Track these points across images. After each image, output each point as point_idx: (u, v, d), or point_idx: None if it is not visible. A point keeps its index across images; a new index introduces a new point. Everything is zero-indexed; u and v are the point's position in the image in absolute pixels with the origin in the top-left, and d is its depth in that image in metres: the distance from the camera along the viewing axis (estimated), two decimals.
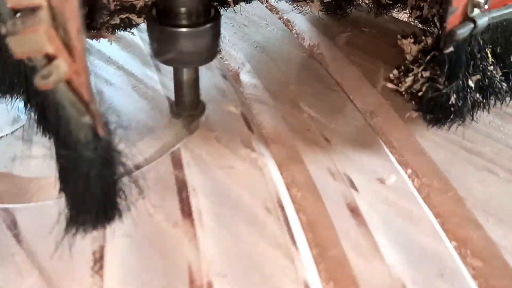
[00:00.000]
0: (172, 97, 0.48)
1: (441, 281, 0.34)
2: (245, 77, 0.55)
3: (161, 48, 0.41)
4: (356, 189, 0.41)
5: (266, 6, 0.71)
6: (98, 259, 0.35)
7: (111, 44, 0.51)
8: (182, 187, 0.41)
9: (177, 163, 0.43)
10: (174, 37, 0.39)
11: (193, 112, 0.47)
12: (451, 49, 0.39)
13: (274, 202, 0.40)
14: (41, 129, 0.37)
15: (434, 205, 0.40)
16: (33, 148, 0.45)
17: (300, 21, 0.66)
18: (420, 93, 0.43)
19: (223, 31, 0.60)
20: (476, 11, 0.39)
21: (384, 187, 0.42)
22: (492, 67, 0.43)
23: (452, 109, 0.42)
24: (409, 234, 0.37)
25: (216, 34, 0.41)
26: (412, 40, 0.44)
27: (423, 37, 0.44)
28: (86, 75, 0.27)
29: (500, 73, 0.44)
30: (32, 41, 0.24)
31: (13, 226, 0.37)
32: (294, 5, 0.64)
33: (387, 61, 0.57)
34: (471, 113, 0.43)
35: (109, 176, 0.31)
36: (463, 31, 0.39)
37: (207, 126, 0.47)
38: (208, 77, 0.54)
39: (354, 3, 0.62)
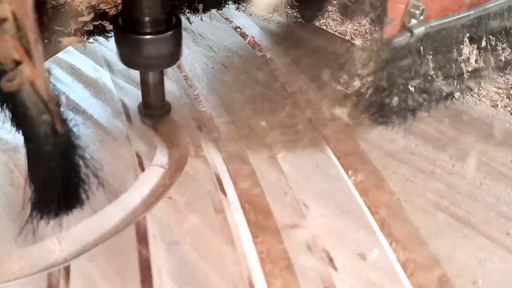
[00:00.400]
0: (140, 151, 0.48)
1: None
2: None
3: (128, 54, 0.44)
4: (335, 268, 0.38)
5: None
6: None
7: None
8: (145, 266, 0.37)
9: (142, 237, 0.40)
10: (139, 44, 0.43)
11: (159, 112, 0.51)
12: (389, 55, 0.42)
13: (244, 283, 0.36)
14: (15, 127, 0.38)
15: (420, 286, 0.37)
16: None
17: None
18: (366, 96, 0.45)
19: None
20: (414, 21, 0.41)
21: (366, 264, 0.38)
22: (432, 71, 0.46)
23: (394, 110, 0.45)
24: None
25: (177, 40, 0.45)
26: (360, 47, 0.48)
27: (371, 44, 0.45)
28: (44, 78, 0.31)
29: (442, 77, 0.47)
30: (0, 48, 0.28)
31: None
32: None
33: None
34: (413, 113, 0.47)
35: (69, 168, 0.34)
36: (400, 40, 0.41)
37: (178, 190, 0.44)
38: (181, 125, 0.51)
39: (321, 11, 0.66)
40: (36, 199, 0.35)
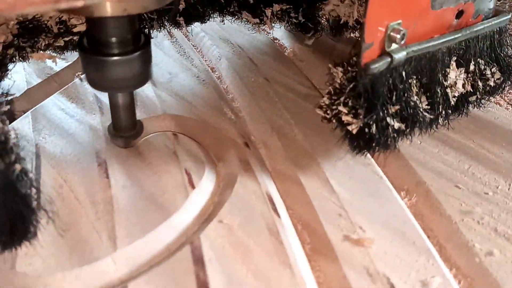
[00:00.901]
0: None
1: None
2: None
3: (94, 76, 0.42)
4: None
5: None
6: None
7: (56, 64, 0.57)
8: None
9: (197, 259, 0.39)
10: (106, 65, 0.41)
11: (130, 133, 0.49)
12: (366, 81, 0.40)
13: None
14: None
15: None
16: (38, 236, 0.41)
17: None
18: (344, 122, 0.42)
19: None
20: (395, 45, 0.40)
21: (423, 282, 0.37)
22: (416, 97, 0.44)
23: (373, 138, 0.42)
24: None
25: (146, 60, 0.43)
26: (341, 69, 0.43)
27: (353, 67, 0.42)
28: None
29: (426, 103, 0.45)
30: None
31: None
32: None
33: None
34: (394, 141, 0.44)
35: (14, 201, 0.32)
36: (378, 66, 0.40)
37: (230, 210, 0.43)
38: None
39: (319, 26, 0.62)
40: None
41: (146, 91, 0.58)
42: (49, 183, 0.46)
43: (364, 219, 0.43)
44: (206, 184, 0.46)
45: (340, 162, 0.49)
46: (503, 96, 0.62)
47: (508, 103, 0.61)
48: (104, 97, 0.56)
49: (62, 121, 0.54)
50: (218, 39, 0.71)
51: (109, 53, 0.41)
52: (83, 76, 0.59)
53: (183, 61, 0.65)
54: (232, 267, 0.39)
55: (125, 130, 0.49)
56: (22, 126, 0.52)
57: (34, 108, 0.55)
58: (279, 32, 0.72)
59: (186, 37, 0.72)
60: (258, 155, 0.50)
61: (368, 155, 0.50)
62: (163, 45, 0.70)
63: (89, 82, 0.43)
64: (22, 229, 0.34)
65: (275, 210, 0.44)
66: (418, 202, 0.45)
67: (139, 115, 0.53)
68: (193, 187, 0.45)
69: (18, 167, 0.32)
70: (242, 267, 0.39)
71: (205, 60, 0.66)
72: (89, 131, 0.52)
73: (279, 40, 0.71)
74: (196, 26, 0.66)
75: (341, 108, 0.42)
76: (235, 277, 0.38)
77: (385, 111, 0.42)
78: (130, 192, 0.45)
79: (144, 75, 0.43)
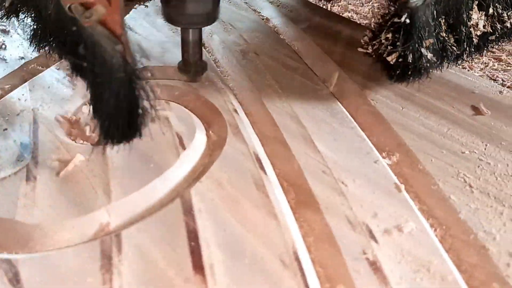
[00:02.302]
0: None
1: None
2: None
3: (171, 11, 0.50)
4: (376, 241, 0.39)
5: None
6: None
7: None
8: (193, 237, 0.39)
9: (187, 211, 0.41)
10: (183, 1, 0.49)
11: (197, 69, 0.56)
12: (406, 16, 0.47)
13: (290, 254, 0.38)
14: (76, 72, 0.45)
15: (458, 258, 0.38)
16: (36, 190, 0.43)
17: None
18: (384, 55, 0.51)
19: None
20: None
21: (406, 239, 0.39)
22: (445, 33, 0.51)
23: (409, 67, 0.51)
24: None
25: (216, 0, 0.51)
26: (380, 13, 0.52)
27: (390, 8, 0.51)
28: (119, 14, 0.37)
29: (452, 39, 0.52)
30: None
31: (15, 280, 0.35)
32: None
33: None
34: (426, 71, 0.52)
35: (134, 96, 0.40)
36: (416, 1, 0.46)
37: (220, 168, 0.45)
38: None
39: None
40: (105, 127, 0.41)
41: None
42: (47, 146, 0.48)
43: (347, 175, 0.45)
44: (197, 145, 0.48)
45: (325, 126, 0.51)
46: (485, 71, 0.65)
47: (491, 78, 0.63)
48: None
49: (58, 90, 0.56)
50: None
51: None
52: None
53: (176, 36, 0.67)
54: (221, 216, 0.41)
55: (193, 65, 0.55)
56: (19, 95, 0.55)
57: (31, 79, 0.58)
58: (271, 12, 0.74)
59: None
60: (247, 120, 0.52)
61: (352, 119, 0.52)
62: (156, 23, 0.72)
63: (165, 17, 0.51)
64: (137, 125, 0.42)
65: (262, 168, 0.46)
66: (399, 160, 0.47)
67: None
68: (184, 148, 0.48)
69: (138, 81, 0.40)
70: (230, 217, 0.41)
71: None
72: (83, 99, 0.54)
73: (270, 20, 0.74)
74: None
75: (383, 40, 0.50)
76: (223, 225, 0.40)
77: (420, 43, 0.49)
78: (124, 152, 0.47)
79: (213, 14, 0.51)
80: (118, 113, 0.41)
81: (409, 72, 0.52)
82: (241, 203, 0.42)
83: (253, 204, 0.42)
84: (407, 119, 0.53)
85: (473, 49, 0.54)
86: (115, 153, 0.46)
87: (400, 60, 0.50)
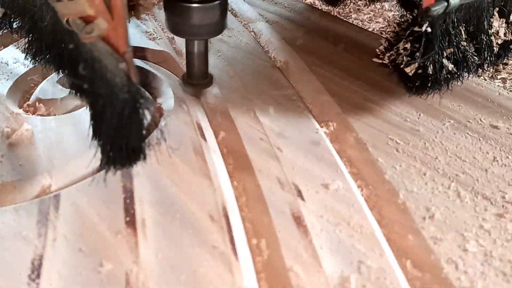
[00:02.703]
0: None
1: None
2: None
3: (176, 22, 0.47)
4: (303, 199, 0.41)
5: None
6: (37, 267, 0.35)
7: None
8: (128, 197, 0.41)
9: (126, 173, 0.43)
10: (188, 12, 0.46)
11: (202, 82, 0.53)
12: (427, 24, 0.45)
13: (219, 211, 0.40)
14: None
15: (379, 214, 0.41)
16: None
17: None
18: (402, 65, 0.48)
19: None
20: None
21: (331, 196, 0.42)
22: (465, 42, 0.49)
23: (429, 78, 0.48)
24: (350, 245, 0.38)
25: (223, 10, 0.48)
26: (397, 21, 0.50)
27: (406, 16, 0.49)
28: (124, 29, 0.34)
29: (473, 49, 0.50)
30: (75, 5, 0.33)
31: None
32: None
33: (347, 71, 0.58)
34: (447, 83, 0.50)
35: (138, 117, 0.37)
36: (437, 8, 0.44)
37: (161, 134, 0.47)
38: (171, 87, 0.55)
39: None
40: (107, 150, 0.39)
41: None
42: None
43: (283, 142, 0.48)
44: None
45: (268, 98, 0.54)
46: None
47: None
48: None
49: (14, 68, 0.57)
50: None
51: (192, 1, 0.45)
52: None
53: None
54: (157, 178, 0.43)
55: (198, 78, 0.52)
56: None
57: None
58: None
59: None
60: (194, 93, 0.54)
61: (295, 92, 0.54)
62: None
63: (170, 28, 0.48)
64: (137, 151, 0.39)
65: (203, 136, 0.48)
66: (336, 129, 0.50)
67: None
68: None
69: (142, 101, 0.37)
70: (166, 178, 0.43)
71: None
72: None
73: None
74: None
75: (401, 50, 0.48)
76: (158, 186, 0.42)
77: (441, 53, 0.47)
78: (68, 126, 0.49)
79: (221, 24, 0.48)
80: (122, 135, 0.38)
81: (429, 84, 0.49)
82: (179, 166, 0.44)
83: (190, 167, 0.44)
84: (345, 91, 0.55)
85: (493, 58, 0.53)
86: (61, 127, 0.48)
87: (420, 71, 0.48)
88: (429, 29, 0.45)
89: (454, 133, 0.49)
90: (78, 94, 0.42)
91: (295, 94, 0.55)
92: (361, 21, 0.73)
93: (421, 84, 0.50)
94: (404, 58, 0.48)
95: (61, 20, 0.34)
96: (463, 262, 0.37)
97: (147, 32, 0.66)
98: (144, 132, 0.39)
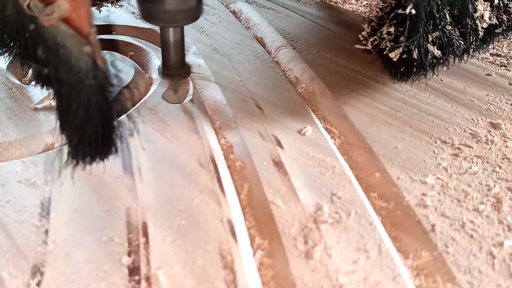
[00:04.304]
0: None
1: (347, 217, 0.39)
2: (191, 58, 0.60)
3: (149, 8, 0.43)
4: (281, 147, 0.46)
5: None
6: (46, 207, 0.39)
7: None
8: (126, 148, 0.45)
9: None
10: None
11: (179, 72, 0.48)
12: (411, 6, 0.43)
13: (207, 158, 0.45)
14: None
15: (350, 158, 0.46)
16: None
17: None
18: (386, 51, 0.46)
19: None
20: None
21: (307, 144, 0.47)
22: (450, 26, 0.47)
23: (414, 63, 0.46)
24: (324, 182, 0.43)
25: None
26: (379, 5, 0.48)
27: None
28: (86, 9, 0.31)
29: (458, 33, 0.48)
30: None
31: None
32: None
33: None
34: (432, 68, 0.48)
35: (107, 106, 0.34)
36: None
37: (153, 99, 0.52)
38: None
39: None
40: (74, 143, 0.35)
41: None
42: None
43: (263, 102, 0.53)
44: (140, 82, 0.55)
45: (249, 65, 0.59)
46: None
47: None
48: None
49: None
50: None
51: None
52: None
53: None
54: (149, 133, 0.47)
55: (175, 69, 0.48)
56: None
57: None
58: None
59: None
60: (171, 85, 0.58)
61: (272, 59, 0.59)
62: None
63: (143, 15, 0.44)
64: (111, 139, 0.36)
65: (191, 100, 0.53)
66: (312, 90, 0.55)
67: None
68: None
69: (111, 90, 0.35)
70: (158, 133, 0.48)
71: None
72: None
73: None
74: None
75: (384, 34, 0.46)
76: (152, 140, 0.47)
77: (426, 37, 0.45)
78: None
79: (197, 10, 0.44)
80: (90, 127, 0.34)
81: (414, 69, 0.48)
82: (169, 124, 0.49)
83: (180, 124, 0.49)
84: (322, 59, 0.60)
85: (479, 43, 0.52)
86: None
87: (404, 56, 0.47)
88: (413, 11, 0.44)
89: (429, 96, 0.54)
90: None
91: (269, 57, 0.60)
92: (335, 2, 0.79)
93: (406, 70, 0.49)
94: (388, 43, 0.47)
95: (22, 5, 0.31)
96: (422, 192, 0.42)
97: (134, 13, 0.70)
98: (115, 122, 0.36)
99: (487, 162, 0.45)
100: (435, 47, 0.46)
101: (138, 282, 0.34)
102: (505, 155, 0.46)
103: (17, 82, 0.55)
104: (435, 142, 0.47)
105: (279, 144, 0.47)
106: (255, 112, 0.51)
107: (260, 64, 0.59)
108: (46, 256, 0.35)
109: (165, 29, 0.45)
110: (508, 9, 0.53)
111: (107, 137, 0.36)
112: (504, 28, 0.53)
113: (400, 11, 0.45)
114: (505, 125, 0.49)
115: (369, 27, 0.50)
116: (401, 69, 0.48)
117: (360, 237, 0.37)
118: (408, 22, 0.44)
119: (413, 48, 0.45)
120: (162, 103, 0.51)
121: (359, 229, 0.38)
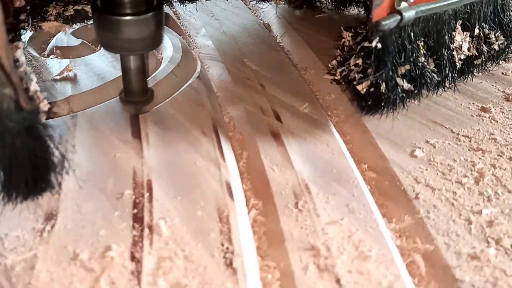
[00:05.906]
0: None
1: (337, 184, 0.42)
2: (200, 40, 0.64)
3: (107, 37, 0.42)
4: (281, 121, 0.49)
5: None
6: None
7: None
8: (134, 118, 0.49)
9: (134, 120, 0.50)
10: (119, 25, 0.41)
11: (141, 99, 0.48)
12: (377, 40, 0.41)
13: (210, 128, 0.48)
14: None
15: (343, 134, 0.49)
16: None
17: None
18: (354, 82, 0.44)
19: None
20: (404, 4, 0.40)
21: (305, 120, 0.50)
22: (423, 58, 0.45)
23: (383, 97, 0.44)
24: (318, 152, 0.46)
25: (159, 22, 0.43)
26: (351, 34, 0.45)
27: (362, 30, 0.44)
28: (6, 48, 0.30)
29: (433, 65, 0.46)
30: None
31: None
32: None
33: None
34: (403, 102, 0.46)
35: (37, 147, 0.33)
36: (389, 23, 0.40)
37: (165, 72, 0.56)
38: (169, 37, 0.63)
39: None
40: (5, 182, 0.34)
41: None
42: None
43: (266, 81, 0.56)
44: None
45: (255, 48, 0.62)
46: None
47: None
48: None
49: None
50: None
51: (123, 13, 0.41)
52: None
53: None
54: (165, 121, 0.50)
55: (137, 95, 0.47)
56: None
57: None
58: None
59: None
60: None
61: (278, 43, 0.62)
62: None
63: (102, 44, 0.44)
64: (45, 178, 0.35)
65: (198, 77, 0.56)
66: (313, 73, 0.58)
67: None
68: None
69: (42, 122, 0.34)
70: (165, 105, 0.51)
71: None
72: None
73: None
74: None
75: (352, 66, 0.44)
76: (159, 109, 0.50)
77: (395, 70, 0.43)
78: (102, 57, 0.56)
79: (157, 38, 0.43)
80: (19, 168, 0.33)
81: (383, 103, 0.45)
82: (177, 97, 0.52)
83: (186, 98, 0.52)
84: (322, 44, 0.63)
85: (456, 75, 0.49)
86: (75, 67, 0.56)
87: (372, 89, 0.44)
88: (379, 45, 0.41)
89: None
90: None
91: (276, 42, 0.63)
92: None
93: (373, 103, 0.45)
94: (356, 74, 0.44)
95: None
96: (410, 164, 0.44)
97: None
98: (48, 161, 0.34)
99: (475, 142, 0.47)
100: (405, 80, 0.44)
101: (142, 230, 0.37)
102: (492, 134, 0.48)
103: (37, 55, 0.59)
104: (428, 123, 0.50)
105: (278, 118, 0.50)
106: (258, 90, 0.54)
107: (266, 48, 0.62)
108: (59, 204, 0.38)
109: (125, 57, 0.45)
110: (489, 39, 0.50)
111: (39, 177, 0.35)
112: (484, 59, 0.51)
113: (366, 43, 0.42)
114: (494, 109, 0.52)
115: (339, 56, 0.46)
116: (369, 102, 0.45)
117: (348, 201, 0.40)
118: (373, 55, 0.41)
119: (380, 82, 0.43)
120: (171, 77, 0.55)
121: (348, 194, 0.41)
